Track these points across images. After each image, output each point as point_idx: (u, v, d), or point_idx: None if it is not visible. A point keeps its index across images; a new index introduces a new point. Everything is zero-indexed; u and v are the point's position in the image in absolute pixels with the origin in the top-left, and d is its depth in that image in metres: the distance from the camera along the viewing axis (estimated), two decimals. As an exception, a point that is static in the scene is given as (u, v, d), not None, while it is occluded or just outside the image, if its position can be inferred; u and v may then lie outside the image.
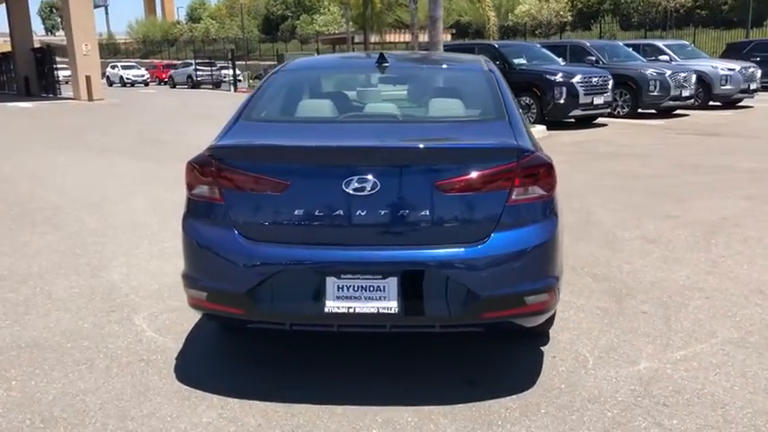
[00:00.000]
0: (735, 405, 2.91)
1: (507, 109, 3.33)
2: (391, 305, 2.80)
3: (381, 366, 3.31)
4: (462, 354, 3.42)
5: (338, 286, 2.81)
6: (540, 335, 3.52)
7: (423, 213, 2.83)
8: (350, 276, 2.81)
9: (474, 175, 2.85)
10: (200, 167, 2.97)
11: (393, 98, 3.91)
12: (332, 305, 2.80)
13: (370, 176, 2.79)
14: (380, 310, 2.80)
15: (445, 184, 2.84)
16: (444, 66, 4.45)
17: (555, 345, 3.47)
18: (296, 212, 2.84)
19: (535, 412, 2.87)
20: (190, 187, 3.02)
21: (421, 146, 2.97)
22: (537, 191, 2.93)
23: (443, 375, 3.21)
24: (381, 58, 3.76)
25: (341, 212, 2.83)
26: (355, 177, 2.80)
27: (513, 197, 2.87)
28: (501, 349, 3.47)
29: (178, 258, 3.22)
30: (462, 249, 2.82)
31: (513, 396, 2.99)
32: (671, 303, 4.02)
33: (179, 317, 3.80)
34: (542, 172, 2.96)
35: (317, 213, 2.83)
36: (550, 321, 3.41)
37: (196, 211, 3.00)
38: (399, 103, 3.81)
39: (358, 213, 2.82)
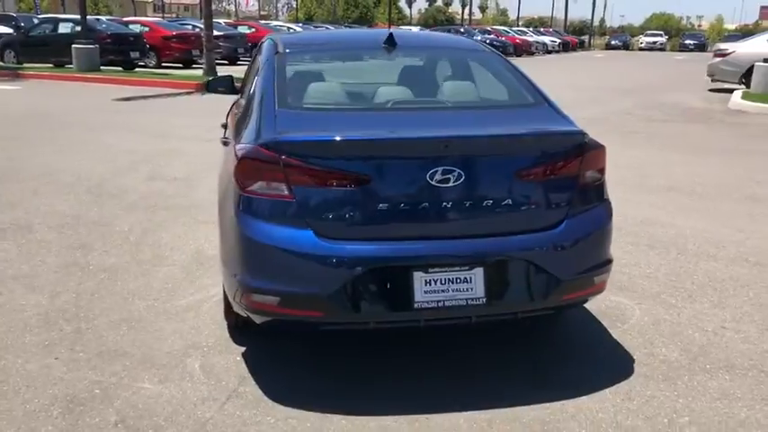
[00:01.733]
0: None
1: (541, 92, 3.39)
2: (478, 296, 2.74)
3: (427, 369, 3.20)
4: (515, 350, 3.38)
5: (426, 281, 2.71)
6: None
7: (504, 202, 2.80)
8: (437, 270, 2.73)
9: (550, 160, 2.87)
10: (264, 162, 2.74)
11: (422, 82, 3.81)
12: (421, 300, 2.71)
13: (454, 167, 2.71)
14: (468, 302, 2.74)
15: (524, 171, 2.83)
16: (457, 47, 4.35)
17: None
18: (378, 207, 2.71)
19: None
20: (246, 183, 2.78)
21: (503, 133, 2.94)
22: (596, 174, 3.00)
23: (502, 377, 3.15)
24: (390, 39, 3.64)
25: (426, 205, 2.73)
26: (440, 168, 2.70)
27: (580, 181, 2.92)
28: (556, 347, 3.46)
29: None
30: (542, 235, 2.84)
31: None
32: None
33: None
34: (600, 155, 3.01)
35: (401, 207, 2.72)
36: None
37: (258, 209, 2.76)
38: (433, 87, 3.71)
39: (443, 205, 2.74)
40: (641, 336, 3.54)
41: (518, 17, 74.43)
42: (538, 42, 46.00)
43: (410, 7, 49.92)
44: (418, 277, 2.72)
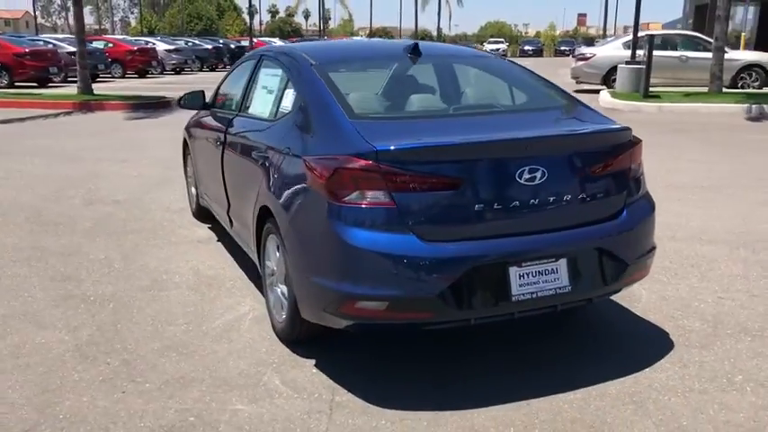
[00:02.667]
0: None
1: (569, 94, 3.76)
2: (564, 284, 2.96)
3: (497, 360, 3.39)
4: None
5: (520, 274, 2.89)
6: None
7: (579, 195, 3.03)
8: (529, 263, 2.91)
9: (610, 155, 3.14)
10: (363, 171, 2.79)
11: (463, 88, 3.99)
12: (517, 293, 2.88)
13: (539, 165, 2.90)
14: (557, 291, 2.94)
15: (592, 165, 3.08)
16: (480, 56, 4.51)
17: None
18: (474, 208, 2.84)
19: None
20: (342, 194, 2.82)
21: (576, 132, 3.20)
22: (639, 166, 3.31)
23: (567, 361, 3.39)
24: (416, 49, 3.82)
25: (516, 203, 2.90)
26: (527, 167, 2.87)
27: (631, 172, 3.22)
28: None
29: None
30: (610, 224, 3.13)
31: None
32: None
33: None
34: (641, 148, 3.33)
35: (494, 207, 2.87)
36: None
37: (357, 218, 2.80)
38: (477, 93, 3.87)
39: (530, 202, 2.92)
40: (659, 311, 3.91)
41: (371, 27, 76.09)
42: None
43: (252, 19, 49.67)
44: (513, 272, 2.89)
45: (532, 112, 3.65)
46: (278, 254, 3.42)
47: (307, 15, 77.12)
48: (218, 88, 5.12)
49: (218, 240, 5.23)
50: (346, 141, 2.95)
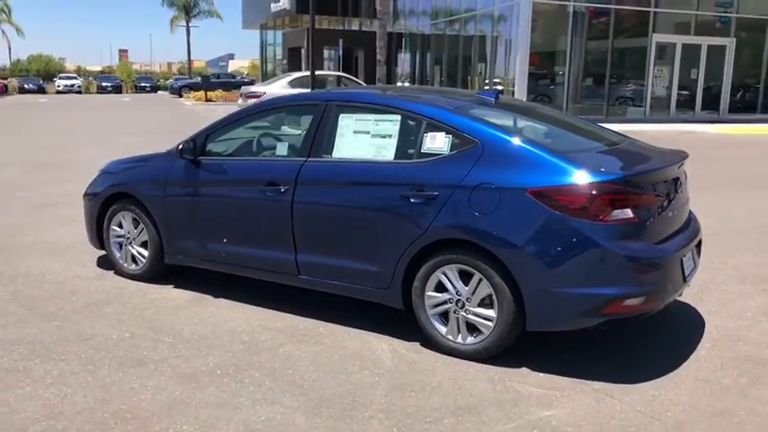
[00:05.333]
0: None
1: (616, 131, 4.71)
2: (693, 265, 4.06)
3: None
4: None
5: (684, 262, 3.85)
6: None
7: (688, 201, 4.18)
8: (686, 253, 3.90)
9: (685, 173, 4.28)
10: (617, 194, 3.46)
11: (567, 130, 4.64)
12: (687, 274, 3.87)
13: (680, 182, 4.00)
14: (692, 270, 4.02)
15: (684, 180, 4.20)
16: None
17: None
18: (669, 215, 3.76)
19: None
20: (603, 213, 3.44)
21: (683, 157, 4.11)
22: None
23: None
24: (497, 96, 4.52)
25: (676, 210, 3.91)
26: (677, 183, 3.94)
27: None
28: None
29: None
30: (693, 219, 4.34)
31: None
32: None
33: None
34: None
35: (670, 215, 3.81)
36: None
37: (616, 232, 3.47)
38: (584, 134, 4.47)
39: (678, 209, 3.96)
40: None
41: None
42: None
43: None
44: (684, 259, 3.88)
45: (633, 144, 4.45)
46: (458, 284, 3.77)
47: None
48: (207, 139, 4.79)
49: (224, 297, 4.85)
50: (578, 172, 3.54)
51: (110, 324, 4.36)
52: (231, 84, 42.48)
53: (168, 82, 57.04)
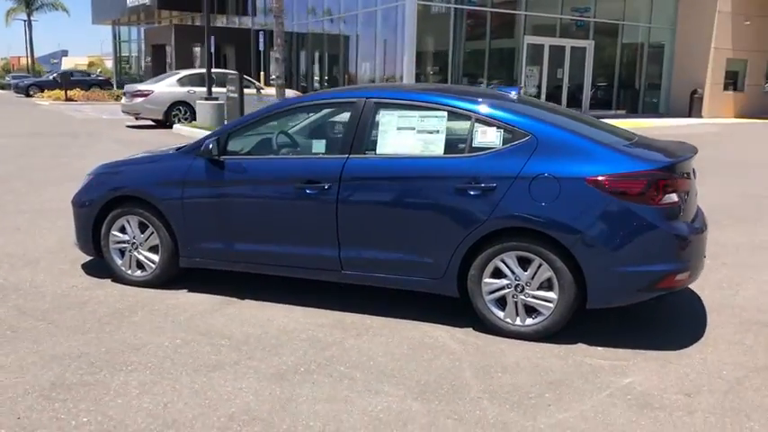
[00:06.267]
0: None
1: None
2: None
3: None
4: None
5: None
6: None
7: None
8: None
9: None
10: (668, 180, 3.86)
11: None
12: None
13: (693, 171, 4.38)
14: None
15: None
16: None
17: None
18: (690, 200, 4.16)
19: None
20: (658, 198, 3.83)
21: (694, 151, 4.51)
22: None
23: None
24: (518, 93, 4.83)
25: (694, 197, 4.32)
26: (691, 171, 4.31)
27: None
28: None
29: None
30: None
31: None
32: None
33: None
34: None
35: (691, 200, 4.21)
36: None
37: (668, 214, 3.87)
38: (610, 129, 4.73)
39: (694, 195, 4.35)
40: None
41: None
42: None
43: None
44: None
45: (645, 138, 4.79)
46: (517, 269, 4.04)
47: None
48: (229, 138, 4.69)
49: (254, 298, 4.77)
50: (632, 161, 3.92)
51: (151, 332, 4.19)
52: (87, 82, 39.99)
53: (10, 80, 52.31)
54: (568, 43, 24.83)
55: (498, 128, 4.17)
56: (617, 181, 3.88)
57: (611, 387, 3.54)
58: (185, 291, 4.95)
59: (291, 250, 4.57)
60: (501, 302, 4.17)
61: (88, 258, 5.57)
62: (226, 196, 4.68)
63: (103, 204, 5.01)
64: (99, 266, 5.34)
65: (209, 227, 4.75)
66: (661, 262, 3.91)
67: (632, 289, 3.97)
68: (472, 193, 4.08)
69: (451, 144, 4.28)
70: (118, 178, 5.08)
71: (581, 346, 4.04)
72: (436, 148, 4.28)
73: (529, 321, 4.11)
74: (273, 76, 17.08)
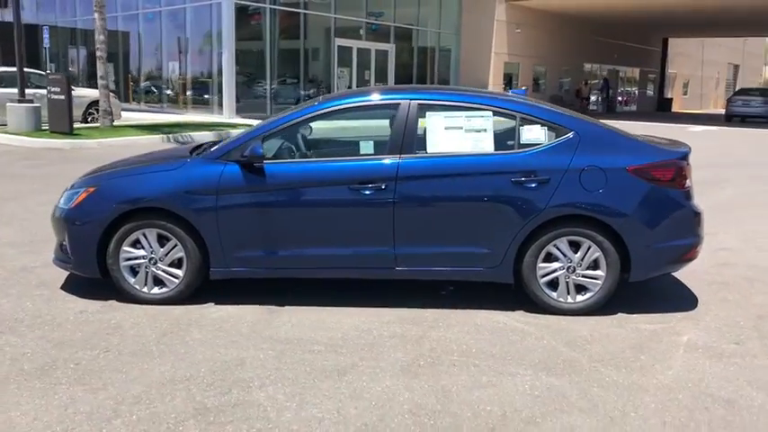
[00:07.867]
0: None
1: None
2: None
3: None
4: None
5: None
6: None
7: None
8: None
9: None
10: (688, 167, 4.54)
11: None
12: None
13: None
14: None
15: None
16: None
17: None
18: None
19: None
20: (684, 182, 4.53)
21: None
22: None
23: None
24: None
25: None
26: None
27: None
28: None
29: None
30: None
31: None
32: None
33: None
34: None
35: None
36: None
37: (690, 194, 4.58)
38: None
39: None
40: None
41: None
42: None
43: None
44: None
45: (644, 136, 5.39)
46: (569, 252, 4.53)
47: None
48: (263, 142, 4.54)
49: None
50: (659, 152, 4.62)
51: (230, 347, 3.99)
52: None
53: None
54: (373, 46, 25.94)
55: (542, 125, 4.61)
56: (653, 169, 4.52)
57: (678, 346, 4.15)
58: (212, 304, 4.69)
59: (343, 251, 4.58)
60: (552, 284, 4.61)
61: (61, 278, 5.01)
62: (268, 201, 4.54)
63: (114, 219, 4.55)
64: (82, 286, 4.86)
65: (249, 235, 4.57)
66: (688, 237, 4.64)
67: (666, 262, 4.66)
68: (529, 185, 4.46)
69: (500, 141, 4.62)
70: (129, 191, 4.63)
71: (623, 316, 4.63)
72: (486, 145, 4.60)
73: (579, 298, 4.60)
74: (99, 76, 15.80)
